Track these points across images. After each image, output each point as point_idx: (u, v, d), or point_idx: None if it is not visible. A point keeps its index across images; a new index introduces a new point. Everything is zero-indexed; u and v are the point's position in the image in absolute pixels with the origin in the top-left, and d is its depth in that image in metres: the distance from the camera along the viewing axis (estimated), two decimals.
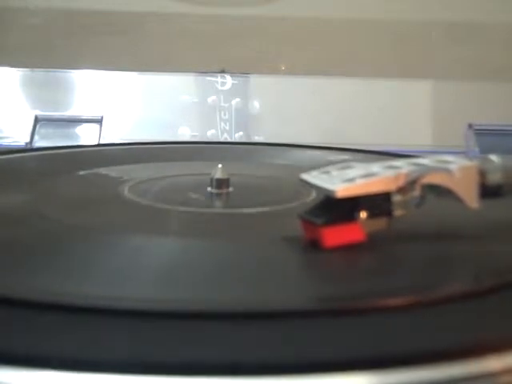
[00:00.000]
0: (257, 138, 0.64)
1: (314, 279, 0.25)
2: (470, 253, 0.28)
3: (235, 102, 0.64)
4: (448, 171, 0.27)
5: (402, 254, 0.27)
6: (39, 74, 0.64)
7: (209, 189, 0.37)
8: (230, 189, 0.37)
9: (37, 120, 0.62)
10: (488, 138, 0.61)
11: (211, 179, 0.37)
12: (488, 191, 0.28)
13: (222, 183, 0.37)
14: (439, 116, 0.64)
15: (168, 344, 0.19)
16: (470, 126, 0.61)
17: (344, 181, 0.26)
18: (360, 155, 0.49)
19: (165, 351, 0.19)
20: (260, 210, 0.34)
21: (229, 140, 0.63)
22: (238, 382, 0.18)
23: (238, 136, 0.64)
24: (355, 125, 0.64)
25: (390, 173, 0.27)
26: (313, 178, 0.28)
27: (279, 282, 0.24)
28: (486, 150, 0.55)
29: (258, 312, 0.21)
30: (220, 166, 0.37)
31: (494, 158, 0.29)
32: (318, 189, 0.27)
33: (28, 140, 0.60)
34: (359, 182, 0.26)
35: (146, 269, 0.25)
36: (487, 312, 0.22)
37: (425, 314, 0.21)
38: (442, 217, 0.31)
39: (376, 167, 0.28)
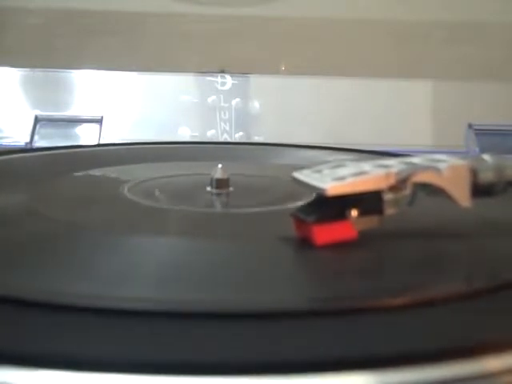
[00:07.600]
0: (257, 138, 0.64)
1: (312, 279, 0.25)
2: (469, 252, 0.28)
3: (235, 102, 0.64)
4: (437, 170, 0.27)
5: (397, 253, 0.27)
6: (39, 73, 0.64)
7: (209, 189, 0.37)
8: (230, 189, 0.37)
9: (37, 120, 0.62)
10: (488, 137, 0.61)
11: (211, 179, 0.37)
12: (480, 190, 0.28)
13: (221, 183, 0.37)
14: (439, 116, 0.64)
15: (167, 344, 0.19)
16: (470, 126, 0.62)
17: (335, 179, 0.26)
18: (360, 155, 0.48)
19: (164, 351, 0.19)
20: (260, 209, 0.34)
21: (229, 140, 0.63)
22: (237, 382, 0.18)
23: (238, 136, 0.64)
24: (355, 125, 0.63)
25: (381, 171, 0.27)
26: (304, 176, 0.28)
27: (278, 281, 0.24)
28: (485, 150, 0.54)
29: (257, 312, 0.21)
30: (220, 165, 0.37)
31: (486, 157, 0.29)
32: (309, 187, 0.27)
33: (28, 140, 0.60)
34: (350, 180, 0.26)
35: (146, 269, 0.25)
36: (487, 312, 0.22)
37: (424, 313, 0.21)
38: (437, 215, 0.31)
39: (367, 166, 0.28)
